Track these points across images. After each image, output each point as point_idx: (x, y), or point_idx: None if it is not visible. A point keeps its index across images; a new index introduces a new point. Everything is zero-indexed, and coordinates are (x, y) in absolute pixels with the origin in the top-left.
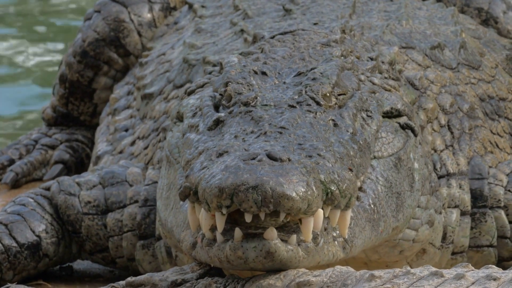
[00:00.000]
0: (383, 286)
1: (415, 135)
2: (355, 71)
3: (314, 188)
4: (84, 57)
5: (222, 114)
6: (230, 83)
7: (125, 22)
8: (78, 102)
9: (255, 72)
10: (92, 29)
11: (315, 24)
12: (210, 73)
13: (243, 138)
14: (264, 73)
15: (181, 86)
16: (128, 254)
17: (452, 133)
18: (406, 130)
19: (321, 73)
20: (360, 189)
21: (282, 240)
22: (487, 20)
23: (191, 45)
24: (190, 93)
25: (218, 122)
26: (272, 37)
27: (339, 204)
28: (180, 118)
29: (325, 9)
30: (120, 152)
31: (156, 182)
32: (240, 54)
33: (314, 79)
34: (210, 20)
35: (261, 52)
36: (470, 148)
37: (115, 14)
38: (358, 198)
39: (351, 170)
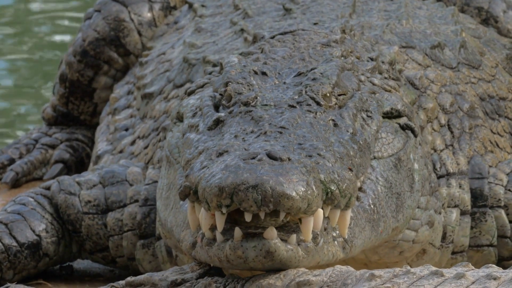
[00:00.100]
0: (383, 286)
1: (415, 136)
2: (355, 71)
3: (314, 188)
4: (84, 56)
5: (222, 114)
6: (230, 83)
7: (125, 22)
8: (78, 101)
9: (255, 72)
10: (92, 29)
11: (315, 24)
12: (210, 73)
13: (243, 138)
14: (264, 73)
15: (181, 85)
16: (128, 253)
17: (452, 132)
18: (406, 130)
19: (321, 73)
20: (360, 189)
21: (282, 239)
22: (487, 19)
23: (191, 44)
24: (190, 93)
25: (218, 122)
26: (272, 37)
27: (339, 203)
28: (180, 118)
29: (325, 8)
30: (120, 152)
31: (156, 181)
32: (240, 54)
33: (314, 79)
34: (210, 19)
35: (261, 52)
36: (470, 148)
37: (115, 13)
38: (358, 199)
39: (351, 170)
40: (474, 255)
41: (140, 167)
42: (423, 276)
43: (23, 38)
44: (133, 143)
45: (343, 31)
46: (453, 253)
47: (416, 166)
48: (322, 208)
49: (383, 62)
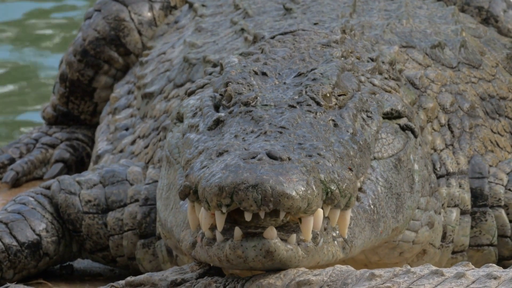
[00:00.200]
0: (383, 285)
1: (415, 137)
2: (355, 72)
3: (314, 187)
4: (84, 56)
5: (222, 114)
6: (230, 83)
7: (126, 21)
8: (79, 101)
9: (255, 73)
10: (93, 28)
11: (315, 24)
12: (210, 74)
13: (243, 138)
14: (264, 74)
15: (182, 85)
16: (128, 253)
17: (452, 132)
18: (406, 131)
19: (321, 73)
20: (360, 189)
21: (281, 239)
22: (488, 19)
23: (192, 44)
24: (190, 93)
25: (218, 122)
26: (272, 37)
27: (339, 203)
28: (180, 118)
29: (325, 8)
30: (121, 151)
31: (157, 181)
32: (240, 54)
33: (314, 79)
34: (210, 19)
35: (261, 52)
36: (471, 147)
37: (115, 13)
38: (358, 199)
39: (351, 169)
40: (474, 255)
41: (141, 167)
42: (423, 275)
43: None
44: (133, 142)
45: (343, 31)
46: (453, 252)
47: (416, 166)
48: (322, 208)
49: (383, 62)
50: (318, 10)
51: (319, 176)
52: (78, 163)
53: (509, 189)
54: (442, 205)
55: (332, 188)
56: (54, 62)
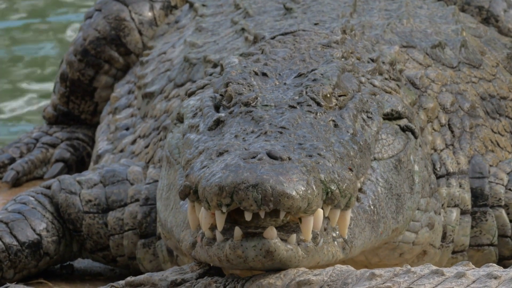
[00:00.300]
0: (384, 285)
1: (415, 138)
2: (355, 73)
3: (314, 187)
4: (85, 55)
5: (223, 114)
6: (230, 84)
7: (126, 21)
8: (79, 100)
9: (256, 73)
10: (93, 28)
11: (315, 24)
12: (210, 74)
13: (243, 138)
14: (264, 74)
15: (182, 85)
16: (129, 252)
17: (452, 132)
18: (407, 132)
19: (321, 74)
20: (360, 190)
21: (281, 239)
22: (488, 18)
23: (192, 44)
24: (190, 94)
25: (218, 122)
26: (273, 38)
27: (339, 203)
28: (180, 119)
29: (326, 7)
30: (121, 151)
31: (157, 180)
32: (241, 55)
33: (314, 80)
34: (211, 19)
35: (262, 53)
36: (471, 147)
37: (116, 12)
38: (358, 199)
39: (351, 170)
40: (475, 255)
41: (141, 166)
42: (424, 275)
43: None
44: (133, 142)
45: (344, 32)
46: (454, 252)
47: (416, 167)
48: (322, 208)
49: (383, 62)
50: (318, 10)
51: (319, 176)
52: (78, 162)
53: (510, 189)
54: (442, 205)
55: (332, 188)
56: None
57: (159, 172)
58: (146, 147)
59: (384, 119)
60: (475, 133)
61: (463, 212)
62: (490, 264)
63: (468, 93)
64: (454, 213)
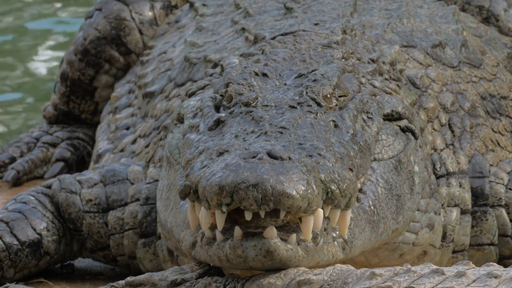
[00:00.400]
0: (384, 284)
1: (416, 138)
2: (355, 73)
3: (314, 187)
4: (85, 55)
5: (223, 115)
6: (231, 84)
7: (126, 20)
8: (79, 100)
9: (256, 74)
10: (93, 27)
11: (316, 24)
12: (211, 75)
13: (243, 138)
14: (265, 75)
15: (182, 84)
16: (129, 252)
17: (453, 131)
18: (407, 133)
19: (322, 74)
20: (360, 190)
21: (282, 239)
22: (488, 18)
23: (192, 43)
24: (190, 95)
25: (218, 122)
26: (273, 38)
27: (339, 203)
28: (180, 119)
29: (326, 7)
30: (121, 151)
31: (157, 180)
32: (241, 55)
33: (315, 80)
34: (211, 18)
35: (262, 53)
36: (471, 147)
37: (116, 12)
38: (358, 200)
39: (351, 170)
40: (475, 254)
41: (141, 166)
42: (424, 274)
43: None
44: (134, 142)
45: (344, 32)
46: (454, 252)
47: (416, 168)
48: (322, 208)
49: (384, 62)
50: (319, 10)
51: (320, 176)
52: (79, 162)
53: (510, 188)
54: (442, 205)
55: (333, 188)
56: None
57: (160, 172)
58: (147, 146)
59: (384, 119)
60: (476, 132)
61: (463, 212)
62: (491, 263)
63: (468, 92)
64: (454, 213)
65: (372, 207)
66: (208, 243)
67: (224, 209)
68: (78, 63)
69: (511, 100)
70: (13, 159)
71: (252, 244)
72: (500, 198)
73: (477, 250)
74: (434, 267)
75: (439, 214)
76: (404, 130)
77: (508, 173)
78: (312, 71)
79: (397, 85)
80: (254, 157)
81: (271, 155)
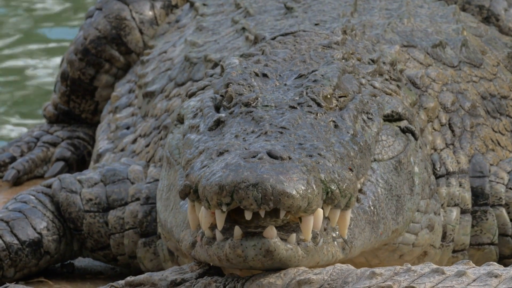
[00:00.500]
0: (384, 284)
1: (416, 139)
2: (356, 74)
3: (314, 187)
4: (85, 54)
5: (223, 115)
6: (231, 84)
7: (127, 20)
8: (80, 99)
9: (256, 74)
10: (94, 27)
11: (316, 24)
12: (211, 76)
13: (243, 138)
14: (265, 75)
15: (183, 84)
16: (129, 251)
17: (453, 131)
18: (407, 134)
19: (322, 75)
20: (360, 191)
21: (281, 239)
22: (489, 17)
23: (193, 43)
24: (190, 95)
25: (218, 123)
26: (273, 38)
27: (339, 203)
28: (180, 120)
29: (326, 7)
30: (122, 150)
31: (158, 179)
32: (241, 56)
33: (315, 81)
34: (211, 18)
35: (262, 54)
36: (472, 146)
37: (116, 11)
38: (358, 200)
39: (351, 170)
40: (475, 254)
41: (142, 165)
42: (424, 274)
43: None
44: (134, 141)
45: (344, 32)
46: (454, 251)
47: (416, 169)
48: (322, 208)
49: (384, 63)
50: (319, 9)
51: (320, 175)
52: (79, 161)
53: (510, 188)
54: (442, 204)
55: (332, 188)
56: None
57: (160, 171)
58: (147, 146)
59: (384, 120)
60: (476, 132)
61: (463, 211)
62: (491, 262)
63: (468, 92)
64: (454, 213)
65: (372, 208)
66: (208, 242)
67: (224, 208)
68: (78, 62)
69: (511, 99)
70: (13, 159)
71: (252, 244)
72: (501, 198)
73: (477, 249)
74: (434, 266)
75: (439, 214)
76: (404, 131)
77: (508, 172)
78: (312, 71)
79: (397, 86)
80: (254, 156)
81: (271, 155)
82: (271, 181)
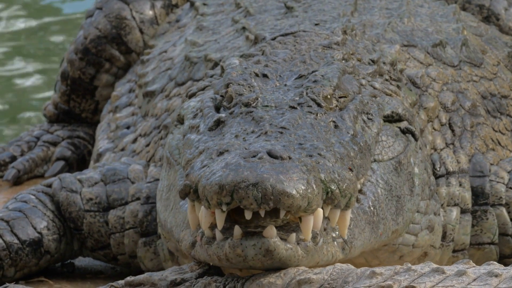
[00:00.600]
0: (384, 283)
1: (416, 140)
2: (356, 75)
3: (314, 186)
4: (85, 54)
5: (223, 115)
6: (231, 85)
7: (127, 19)
8: (80, 99)
9: (256, 74)
10: (94, 26)
11: (316, 24)
12: (211, 76)
13: (243, 138)
14: (265, 76)
15: (183, 83)
16: (130, 251)
17: (453, 131)
18: (407, 134)
19: (322, 75)
20: (360, 191)
21: (281, 238)
22: (489, 17)
23: (193, 42)
24: (191, 96)
25: (218, 123)
26: (273, 39)
27: (339, 203)
28: (180, 120)
29: (326, 6)
30: (122, 150)
31: (158, 179)
32: (241, 56)
33: (315, 81)
34: (211, 17)
35: (262, 54)
36: (472, 146)
37: (117, 11)
38: (358, 200)
39: (351, 170)
40: (475, 253)
41: (142, 165)
42: (424, 273)
43: None
44: (134, 141)
45: (345, 32)
46: (454, 251)
47: (416, 170)
48: (322, 208)
49: (384, 63)
50: (319, 9)
51: (320, 175)
52: (79, 161)
53: (510, 188)
54: (442, 204)
55: (332, 187)
56: None
57: (160, 171)
58: (147, 145)
59: (384, 121)
60: (476, 131)
61: (463, 211)
62: (491, 262)
63: (469, 91)
64: (454, 212)
65: (372, 208)
66: (207, 242)
67: (224, 208)
68: (78, 62)
69: (511, 99)
70: (13, 158)
71: (251, 243)
72: (501, 197)
73: (477, 249)
74: (435, 266)
75: (439, 214)
76: (404, 131)
77: (509, 172)
78: (313, 72)
79: (398, 86)
80: (254, 156)
81: (271, 154)
82: (271, 180)
